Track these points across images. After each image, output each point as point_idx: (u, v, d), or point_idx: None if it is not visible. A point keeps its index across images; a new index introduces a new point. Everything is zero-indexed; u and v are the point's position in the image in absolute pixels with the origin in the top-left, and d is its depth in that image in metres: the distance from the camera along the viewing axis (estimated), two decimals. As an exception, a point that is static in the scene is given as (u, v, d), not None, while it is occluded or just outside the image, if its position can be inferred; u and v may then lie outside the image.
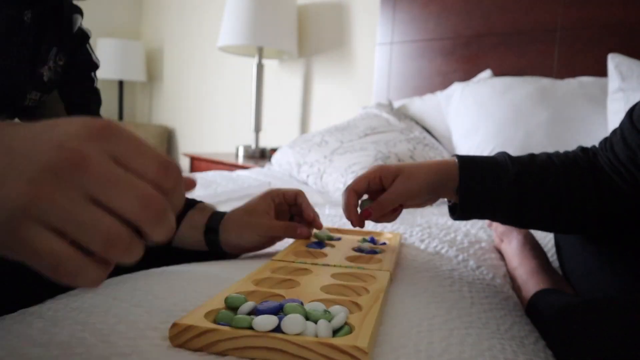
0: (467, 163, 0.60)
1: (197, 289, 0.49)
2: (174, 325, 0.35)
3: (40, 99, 0.62)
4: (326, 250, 0.65)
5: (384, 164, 0.64)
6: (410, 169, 0.61)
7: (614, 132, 0.61)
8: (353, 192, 0.63)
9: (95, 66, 0.72)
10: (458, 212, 0.61)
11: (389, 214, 0.64)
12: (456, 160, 0.61)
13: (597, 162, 0.61)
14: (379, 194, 0.64)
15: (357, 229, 0.68)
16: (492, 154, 0.64)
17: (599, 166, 0.60)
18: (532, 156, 0.62)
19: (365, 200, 0.65)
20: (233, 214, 0.67)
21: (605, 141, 0.62)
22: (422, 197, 0.62)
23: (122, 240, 0.27)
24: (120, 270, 0.60)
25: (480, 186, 0.59)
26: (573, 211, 0.60)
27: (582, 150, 0.63)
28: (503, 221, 0.64)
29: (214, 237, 0.65)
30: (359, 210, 0.65)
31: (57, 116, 0.68)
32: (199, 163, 2.26)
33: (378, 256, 0.63)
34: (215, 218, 0.66)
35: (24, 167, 0.27)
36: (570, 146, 0.66)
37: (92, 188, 0.27)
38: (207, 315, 0.37)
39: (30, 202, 0.26)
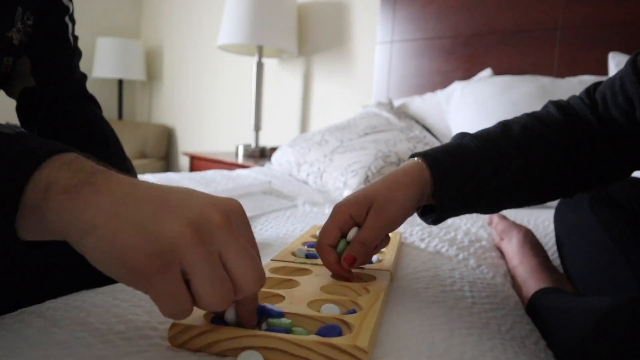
0: (438, 167, 0.54)
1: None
2: (173, 325, 0.35)
3: (13, 63, 0.59)
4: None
5: (349, 198, 0.53)
6: (383, 195, 0.52)
7: (609, 84, 0.58)
8: (328, 249, 0.51)
9: (66, 9, 0.64)
10: (436, 217, 0.55)
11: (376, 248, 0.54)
12: (424, 166, 0.54)
13: (588, 127, 0.57)
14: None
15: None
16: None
17: (591, 131, 0.57)
18: (505, 132, 0.57)
19: (342, 240, 0.53)
20: None
21: (588, 93, 0.60)
22: (406, 218, 0.54)
23: (229, 301, 0.31)
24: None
25: (457, 189, 0.54)
26: (554, 185, 0.57)
27: (565, 115, 0.58)
28: (481, 212, 0.59)
29: None
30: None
31: (23, 76, 0.63)
32: (198, 162, 2.26)
33: (378, 256, 0.62)
34: None
35: (181, 213, 0.30)
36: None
37: (224, 248, 0.30)
38: (207, 314, 0.37)
39: (185, 245, 0.29)
